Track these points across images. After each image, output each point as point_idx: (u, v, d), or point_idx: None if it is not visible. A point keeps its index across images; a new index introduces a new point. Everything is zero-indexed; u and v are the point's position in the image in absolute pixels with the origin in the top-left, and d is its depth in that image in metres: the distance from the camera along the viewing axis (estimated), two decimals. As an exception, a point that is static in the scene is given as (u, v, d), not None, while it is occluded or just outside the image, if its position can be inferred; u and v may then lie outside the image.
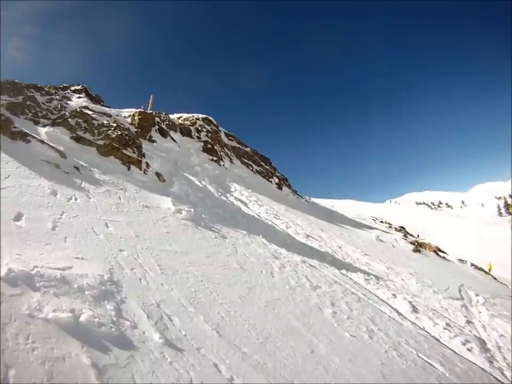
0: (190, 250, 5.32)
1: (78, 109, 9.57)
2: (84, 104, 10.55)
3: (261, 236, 7.89)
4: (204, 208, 8.55)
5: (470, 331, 6.27)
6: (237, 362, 2.83)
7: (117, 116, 11.25)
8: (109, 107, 13.93)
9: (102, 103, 15.02)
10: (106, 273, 3.55)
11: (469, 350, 5.17)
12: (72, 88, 13.94)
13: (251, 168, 24.26)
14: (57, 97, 10.65)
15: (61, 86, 13.35)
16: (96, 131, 9.05)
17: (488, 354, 5.26)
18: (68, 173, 6.49)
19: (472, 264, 24.30)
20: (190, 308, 3.51)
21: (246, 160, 25.04)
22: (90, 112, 9.74)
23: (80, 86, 14.64)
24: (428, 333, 5.43)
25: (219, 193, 12.17)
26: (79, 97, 12.53)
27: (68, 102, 10.62)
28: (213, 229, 7.03)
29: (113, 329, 2.67)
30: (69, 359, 2.21)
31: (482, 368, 4.68)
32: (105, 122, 9.61)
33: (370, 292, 6.76)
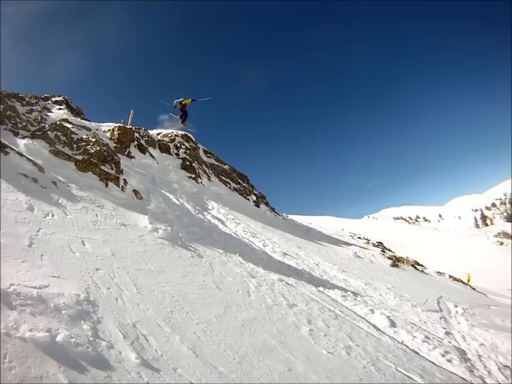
0: (166, 270, 5.33)
1: (58, 122, 9.45)
2: (64, 116, 10.42)
3: (237, 254, 7.93)
4: (180, 227, 8.53)
5: (450, 342, 6.31)
6: (214, 381, 2.89)
7: (97, 129, 11.21)
8: (89, 120, 13.82)
9: (82, 116, 14.87)
10: (82, 292, 3.56)
11: (448, 360, 5.19)
12: (53, 99, 13.74)
13: (229, 185, 24.43)
14: (38, 107, 10.47)
15: (42, 96, 13.16)
16: (75, 145, 8.95)
17: (468, 364, 5.30)
18: (45, 187, 6.39)
19: (450, 276, 25.03)
20: (166, 327, 3.55)
21: (224, 178, 25.21)
22: (70, 126, 9.63)
23: (61, 97, 14.46)
24: (407, 346, 5.47)
25: (196, 211, 12.18)
26: (60, 109, 12.37)
27: (48, 114, 10.45)
28: (189, 247, 7.04)
29: (90, 349, 2.70)
30: (47, 378, 2.23)
31: (462, 378, 4.73)
32: (84, 136, 9.53)
33: (347, 308, 6.82)
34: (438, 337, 6.43)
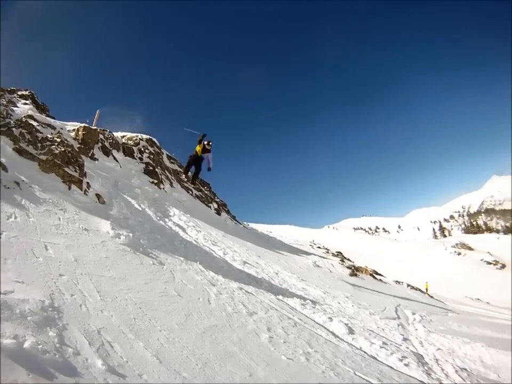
0: (128, 277, 5.26)
1: (23, 118, 8.87)
2: (30, 112, 9.75)
3: (198, 262, 7.84)
4: (142, 233, 8.33)
5: (407, 347, 6.30)
6: None
7: (61, 128, 10.68)
8: (54, 118, 13.08)
9: (47, 113, 14.00)
10: (47, 298, 3.49)
11: (406, 365, 5.16)
12: (20, 92, 12.80)
13: (191, 192, 24.16)
14: (3, 101, 9.73)
15: (8, 89, 12.23)
16: (39, 144, 8.45)
17: (425, 368, 5.27)
18: (8, 188, 6.04)
19: (408, 285, 25.90)
20: (130, 334, 3.56)
21: (186, 184, 24.89)
22: (35, 123, 9.05)
23: (28, 91, 13.53)
24: (365, 352, 5.47)
25: (157, 217, 11.97)
26: (25, 104, 11.55)
27: (14, 108, 9.75)
28: (151, 254, 6.93)
29: (57, 356, 2.68)
30: (16, 386, 2.21)
31: (420, 381, 4.73)
32: (49, 136, 9.02)
33: (306, 316, 6.81)
34: (396, 343, 6.43)
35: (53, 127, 10.10)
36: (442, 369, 5.34)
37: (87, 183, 9.07)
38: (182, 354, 3.54)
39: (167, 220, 12.44)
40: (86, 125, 13.59)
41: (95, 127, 15.17)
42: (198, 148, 10.97)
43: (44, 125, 9.53)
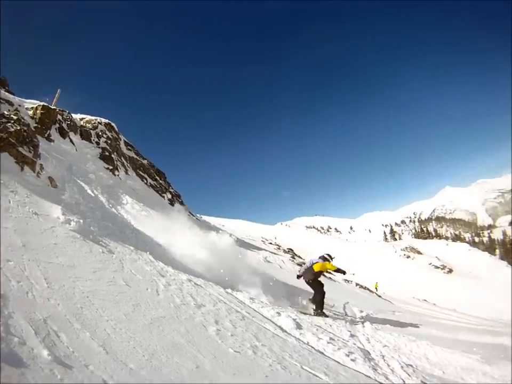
0: (76, 265, 5.03)
1: (-19, 94, 8.06)
2: None
3: (148, 252, 7.56)
4: (93, 220, 7.93)
5: (354, 343, 6.14)
6: (125, 378, 2.90)
7: (19, 105, 9.82)
8: (13, 93, 11.89)
9: (6, 88, 12.69)
10: (-7, 285, 3.32)
11: (352, 360, 5.01)
12: None
13: (145, 181, 23.42)
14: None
15: (-33, 61, 10.94)
16: None
17: (372, 363, 5.11)
18: (-45, 165, 5.48)
19: (357, 284, 26.56)
20: (76, 324, 3.46)
21: (141, 173, 24.08)
22: None
23: None
24: (312, 347, 5.31)
25: (110, 205, 11.50)
26: None
27: None
28: (100, 242, 6.62)
29: (2, 345, 2.57)
30: (-41, 376, 2.12)
31: (367, 375, 4.58)
32: (6, 112, 8.21)
33: (255, 310, 6.64)
34: (343, 339, 6.29)
35: (11, 104, 9.26)
36: (389, 365, 5.25)
37: (41, 165, 8.44)
38: (129, 345, 3.46)
39: (119, 207, 12.02)
40: (45, 104, 12.59)
41: (54, 107, 14.09)
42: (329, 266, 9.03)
43: (2, 101, 8.68)
